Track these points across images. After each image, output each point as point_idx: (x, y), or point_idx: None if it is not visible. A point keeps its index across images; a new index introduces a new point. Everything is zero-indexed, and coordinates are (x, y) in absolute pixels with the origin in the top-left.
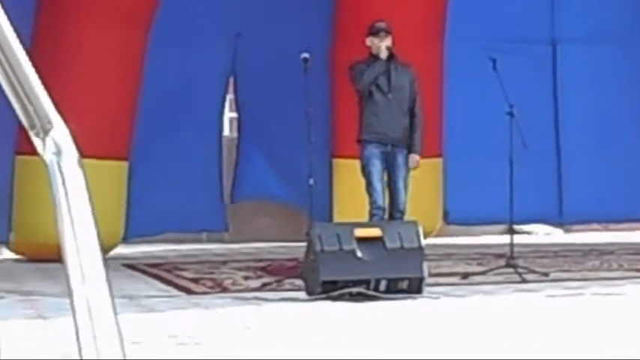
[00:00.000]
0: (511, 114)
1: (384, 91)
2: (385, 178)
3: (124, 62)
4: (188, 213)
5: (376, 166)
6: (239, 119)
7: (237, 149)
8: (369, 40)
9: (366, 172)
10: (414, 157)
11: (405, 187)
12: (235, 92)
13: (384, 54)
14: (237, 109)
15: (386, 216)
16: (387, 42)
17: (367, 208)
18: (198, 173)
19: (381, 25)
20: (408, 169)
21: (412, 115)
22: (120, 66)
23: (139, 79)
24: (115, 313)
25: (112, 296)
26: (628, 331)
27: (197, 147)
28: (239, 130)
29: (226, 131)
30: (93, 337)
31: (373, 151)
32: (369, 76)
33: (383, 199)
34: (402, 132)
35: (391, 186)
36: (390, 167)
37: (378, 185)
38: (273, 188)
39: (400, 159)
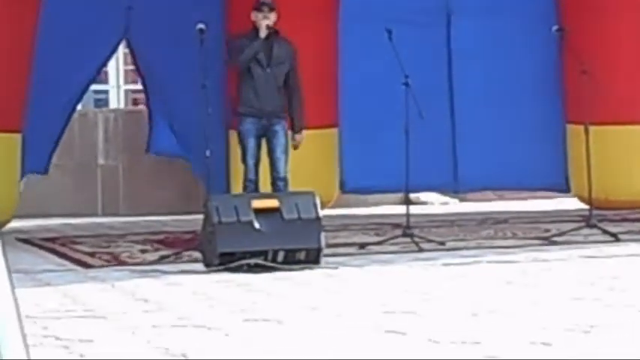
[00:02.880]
0: (406, 84)
1: (263, 65)
2: (261, 151)
3: (14, 37)
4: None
5: (250, 143)
6: (144, 88)
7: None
8: (253, 15)
9: (241, 146)
10: (295, 137)
11: (286, 155)
12: (135, 63)
13: (263, 32)
14: (142, 79)
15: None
16: (270, 19)
17: (263, 179)
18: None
19: (266, 0)
20: (287, 139)
21: (290, 90)
22: (9, 41)
23: (30, 54)
24: (13, 289)
25: (10, 270)
26: (520, 297)
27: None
28: (146, 97)
29: (122, 104)
30: None
31: (249, 127)
32: (248, 54)
33: (254, 173)
34: (279, 105)
35: (271, 155)
36: (268, 137)
37: (250, 161)
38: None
39: (278, 128)
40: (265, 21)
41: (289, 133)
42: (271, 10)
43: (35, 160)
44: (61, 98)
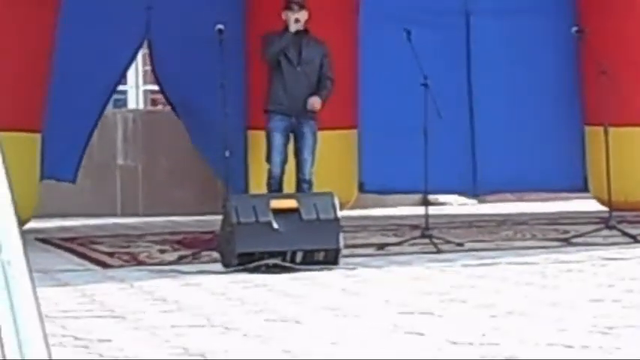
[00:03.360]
0: (425, 85)
1: (294, 63)
2: (287, 150)
3: (33, 38)
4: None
5: (277, 139)
6: (161, 90)
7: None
8: (284, 14)
9: (268, 142)
10: (315, 97)
11: (312, 157)
12: (152, 64)
13: (293, 27)
14: (157, 81)
15: (291, 186)
16: (301, 15)
17: (287, 180)
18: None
19: None
20: (315, 141)
21: (319, 86)
22: (29, 42)
23: (50, 55)
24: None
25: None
26: (539, 299)
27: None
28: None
29: (141, 104)
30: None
31: (277, 124)
32: (275, 48)
33: (280, 170)
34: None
35: (298, 156)
36: (296, 137)
37: (277, 158)
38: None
39: (306, 129)
40: (295, 15)
41: (320, 132)
42: (301, 7)
43: (62, 168)
44: (85, 102)
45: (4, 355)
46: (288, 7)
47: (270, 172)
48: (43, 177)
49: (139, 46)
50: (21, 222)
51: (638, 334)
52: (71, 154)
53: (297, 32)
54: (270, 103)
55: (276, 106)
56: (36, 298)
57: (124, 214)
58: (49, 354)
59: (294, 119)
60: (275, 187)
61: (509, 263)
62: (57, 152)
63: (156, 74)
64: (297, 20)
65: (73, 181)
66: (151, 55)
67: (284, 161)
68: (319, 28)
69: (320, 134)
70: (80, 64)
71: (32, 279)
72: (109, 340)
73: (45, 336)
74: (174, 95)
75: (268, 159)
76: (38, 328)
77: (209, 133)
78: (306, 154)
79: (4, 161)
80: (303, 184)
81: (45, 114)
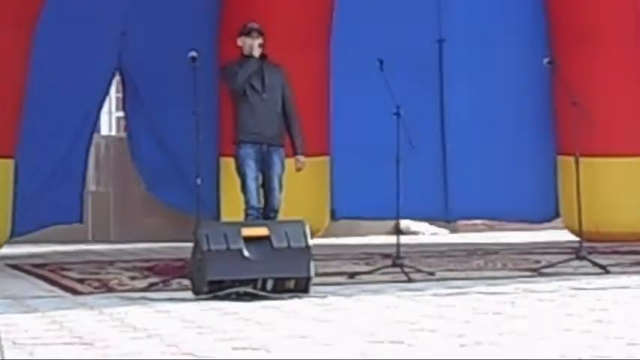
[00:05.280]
0: (398, 114)
1: (258, 90)
2: (260, 178)
3: (7, 63)
4: (43, 207)
5: (250, 166)
6: (126, 117)
7: (130, 145)
8: (240, 40)
9: (240, 172)
10: (300, 159)
11: (280, 186)
12: (123, 91)
13: (257, 52)
14: (124, 108)
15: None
16: (260, 41)
17: None
18: (62, 168)
19: (254, 25)
20: (283, 168)
21: (285, 114)
22: (3, 66)
23: (23, 79)
24: None
25: None
26: (508, 328)
27: (70, 144)
28: (127, 127)
29: (113, 131)
30: None
31: (248, 152)
32: (243, 75)
33: (257, 199)
34: (277, 131)
35: (265, 185)
36: (265, 166)
37: (252, 185)
38: (162, 189)
39: (275, 158)
40: (257, 41)
41: (287, 159)
42: (260, 34)
43: (66, 210)
44: (62, 133)
45: None
46: (246, 34)
47: (247, 203)
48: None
49: (113, 75)
50: None
51: None
52: (71, 193)
53: (258, 58)
54: (240, 133)
55: (247, 135)
56: None
57: (95, 241)
58: None
59: (264, 147)
60: (255, 215)
61: (480, 293)
62: (56, 195)
63: (125, 102)
64: (260, 45)
65: (80, 220)
66: (122, 81)
67: (258, 189)
68: (290, 55)
69: (291, 161)
70: (54, 90)
71: None
72: None
73: None
74: (142, 128)
75: (243, 189)
76: None
77: (180, 160)
78: (275, 183)
79: None
80: (270, 213)
81: (18, 140)
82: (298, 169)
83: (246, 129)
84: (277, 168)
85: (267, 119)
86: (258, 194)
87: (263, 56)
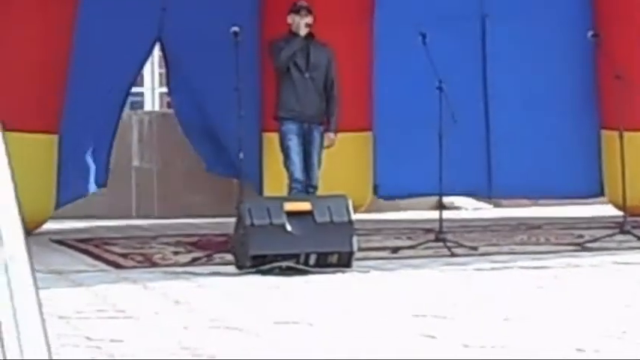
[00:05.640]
0: (440, 89)
1: (302, 69)
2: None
3: (50, 37)
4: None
5: (293, 140)
6: (170, 94)
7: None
8: (290, 18)
9: (284, 146)
10: (330, 136)
11: (319, 162)
12: (166, 66)
13: (303, 31)
14: (168, 84)
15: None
16: (308, 20)
17: None
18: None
19: (303, 3)
20: (322, 146)
21: (328, 94)
22: (46, 41)
23: (67, 54)
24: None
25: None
26: (552, 303)
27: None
28: (172, 103)
29: (157, 106)
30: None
31: (290, 127)
32: (287, 52)
33: (301, 172)
34: (318, 109)
35: (306, 160)
36: (306, 143)
37: (296, 158)
38: (208, 160)
39: (316, 134)
40: (304, 19)
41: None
42: (309, 12)
43: (90, 179)
44: (102, 105)
45: (4, 355)
46: (296, 12)
47: (291, 176)
48: (72, 197)
49: (152, 48)
50: (24, 220)
51: None
52: (98, 160)
53: (305, 37)
54: (281, 110)
55: (287, 112)
56: (37, 296)
57: (139, 216)
58: (50, 354)
59: (305, 125)
60: (299, 189)
61: (523, 267)
62: (82, 165)
63: (169, 75)
64: (307, 25)
65: (104, 185)
66: (165, 57)
67: (302, 163)
68: (334, 30)
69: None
70: (95, 64)
71: (34, 276)
72: (121, 341)
73: (46, 335)
74: (185, 103)
75: (286, 163)
76: (39, 326)
77: (223, 136)
78: (315, 159)
79: (9, 162)
80: (309, 189)
81: (62, 115)
82: (328, 146)
83: (288, 106)
84: (317, 145)
85: (308, 98)
86: (302, 167)
87: (310, 35)
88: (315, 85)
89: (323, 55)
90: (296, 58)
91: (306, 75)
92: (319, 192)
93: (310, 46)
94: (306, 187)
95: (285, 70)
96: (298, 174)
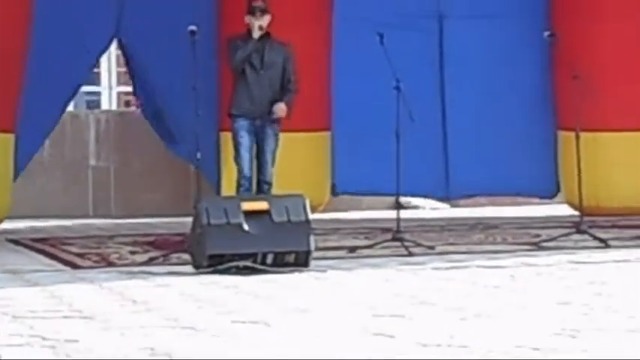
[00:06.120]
0: (398, 88)
1: (256, 68)
2: (254, 150)
3: (5, 37)
4: None
5: (244, 137)
6: (134, 91)
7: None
8: (246, 18)
9: (234, 142)
10: (280, 105)
11: (273, 160)
12: (127, 65)
13: (256, 33)
14: (132, 80)
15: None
16: (263, 21)
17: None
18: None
19: (258, 3)
20: (276, 144)
21: (284, 88)
22: (3, 40)
23: (24, 53)
24: None
25: None
26: (508, 302)
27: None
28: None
29: (114, 106)
30: None
31: (242, 124)
32: (241, 55)
33: (250, 168)
34: (272, 107)
35: (259, 158)
36: (258, 140)
37: (245, 155)
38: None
39: (269, 132)
40: (258, 22)
41: (282, 134)
42: (264, 12)
43: (22, 160)
44: (52, 98)
45: None
46: (250, 13)
47: (240, 171)
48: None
49: (108, 44)
50: None
51: (605, 338)
52: (31, 146)
53: (260, 37)
54: (234, 108)
55: (240, 110)
56: None
57: (96, 216)
58: None
59: (258, 122)
60: (246, 186)
61: (480, 266)
62: (20, 147)
63: (131, 74)
64: (260, 27)
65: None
66: (124, 55)
67: (252, 160)
68: (292, 30)
69: (293, 136)
70: (49, 61)
71: None
72: (77, 341)
73: None
74: (145, 96)
75: (236, 159)
76: None
77: (181, 135)
78: (268, 156)
79: None
80: (264, 185)
81: (19, 114)
82: (274, 113)
83: (240, 104)
84: (270, 142)
85: (262, 96)
86: (250, 164)
87: (267, 34)
88: (270, 83)
89: (279, 54)
90: (251, 58)
91: (261, 72)
92: (276, 191)
93: (266, 46)
94: (260, 184)
95: (239, 71)
96: (246, 170)
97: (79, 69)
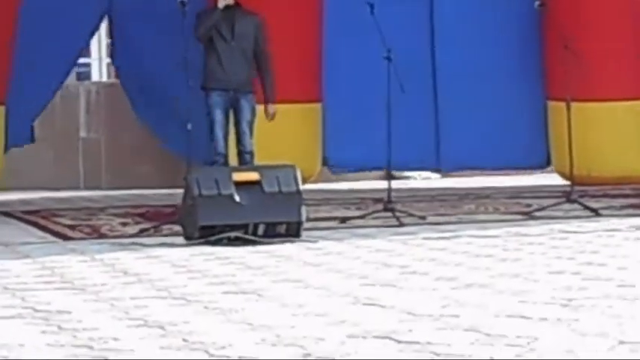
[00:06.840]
0: (388, 58)
1: (227, 38)
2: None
3: None
4: None
5: (218, 115)
6: (114, 63)
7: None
8: None
9: (209, 119)
10: (270, 109)
11: (250, 129)
12: (112, 39)
13: (221, 3)
14: (112, 55)
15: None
16: None
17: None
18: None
19: None
20: (253, 114)
21: (262, 68)
22: None
23: (12, 27)
24: None
25: None
26: (499, 271)
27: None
28: (118, 75)
29: (104, 77)
30: None
31: (216, 99)
32: (204, 26)
33: (223, 146)
34: (245, 77)
35: (237, 128)
36: (235, 111)
37: (219, 133)
38: (155, 129)
39: (244, 102)
40: None
41: (260, 106)
42: None
43: (18, 134)
44: (46, 73)
45: None
46: None
47: (214, 149)
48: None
49: (100, 22)
50: None
51: (596, 307)
52: (27, 119)
53: (228, 7)
54: (207, 80)
55: (213, 82)
56: None
57: (86, 187)
58: None
59: (232, 93)
60: (221, 161)
61: (471, 236)
62: (14, 121)
63: (113, 52)
64: None
65: (32, 141)
66: (111, 30)
67: (226, 136)
68: (281, 3)
69: (284, 107)
70: (42, 36)
71: None
72: (69, 312)
73: None
74: (130, 69)
75: (211, 137)
76: None
77: (170, 107)
78: (245, 127)
79: None
80: (245, 155)
81: (8, 86)
82: (270, 118)
83: (214, 76)
84: (246, 113)
85: (235, 66)
86: (225, 141)
87: (236, 4)
88: (243, 53)
89: (249, 24)
90: (220, 28)
91: (232, 43)
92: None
93: (236, 16)
94: (241, 154)
95: (208, 42)
96: (220, 148)
97: (73, 45)
